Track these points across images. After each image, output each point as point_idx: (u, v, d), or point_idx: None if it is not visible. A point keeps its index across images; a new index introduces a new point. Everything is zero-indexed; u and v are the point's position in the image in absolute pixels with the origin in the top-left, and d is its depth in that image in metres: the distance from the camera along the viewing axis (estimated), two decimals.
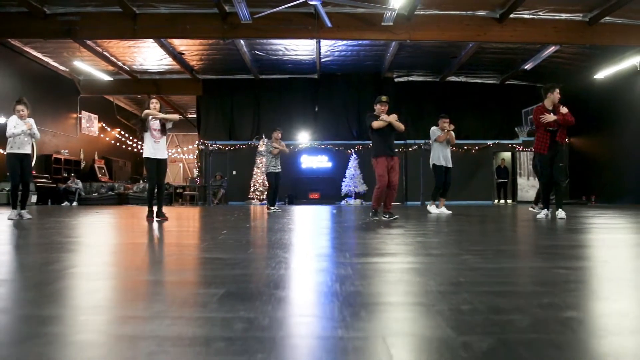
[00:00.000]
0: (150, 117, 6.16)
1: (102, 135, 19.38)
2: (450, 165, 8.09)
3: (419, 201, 16.14)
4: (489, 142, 17.17)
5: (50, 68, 15.89)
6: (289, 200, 16.49)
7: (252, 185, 16.36)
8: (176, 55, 14.89)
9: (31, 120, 6.49)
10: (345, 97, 17.59)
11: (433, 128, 8.19)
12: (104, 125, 19.40)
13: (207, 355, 1.03)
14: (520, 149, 17.05)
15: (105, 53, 14.70)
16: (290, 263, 2.37)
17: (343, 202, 16.23)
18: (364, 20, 11.88)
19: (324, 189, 16.90)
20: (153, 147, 6.18)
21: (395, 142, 6.50)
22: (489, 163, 17.24)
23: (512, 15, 11.63)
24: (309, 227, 5.09)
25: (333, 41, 13.94)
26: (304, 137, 17.66)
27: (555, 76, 15.26)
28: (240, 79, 17.58)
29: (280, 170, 9.45)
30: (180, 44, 14.22)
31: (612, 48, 13.09)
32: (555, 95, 6.11)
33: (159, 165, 6.23)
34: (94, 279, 2.03)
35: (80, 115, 17.87)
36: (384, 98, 6.12)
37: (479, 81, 17.85)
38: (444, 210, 7.91)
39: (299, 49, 14.73)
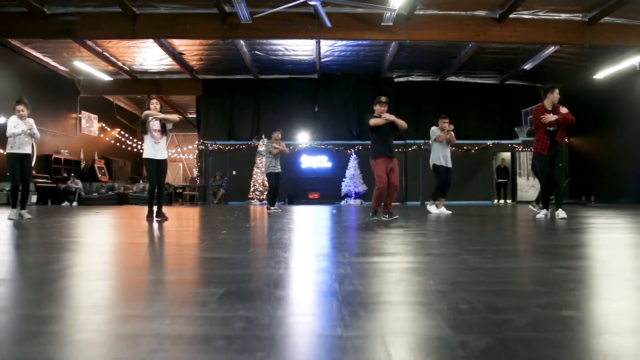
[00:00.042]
0: (150, 117, 6.16)
1: (102, 135, 19.39)
2: (450, 165, 8.09)
3: (418, 201, 16.15)
4: (489, 142, 17.18)
5: (50, 68, 15.89)
6: (288, 200, 16.50)
7: (251, 185, 16.36)
8: (176, 55, 14.89)
9: (31, 120, 6.49)
10: (345, 97, 17.60)
11: (433, 128, 8.19)
12: (103, 125, 19.41)
13: (206, 354, 1.03)
14: (520, 149, 17.06)
15: (105, 53, 14.70)
16: (289, 262, 2.37)
17: (343, 202, 16.23)
18: (364, 20, 11.89)
19: (324, 189, 16.91)
20: (153, 147, 6.18)
21: (395, 142, 6.50)
22: (489, 163, 17.25)
23: (511, 16, 11.63)
24: (309, 227, 5.10)
25: (333, 41, 13.95)
26: (303, 137, 17.67)
27: (555, 76, 15.27)
28: (240, 79, 17.59)
29: (280, 170, 9.46)
30: (180, 44, 14.23)
31: (611, 48, 13.10)
32: (555, 95, 6.12)
33: (159, 166, 6.23)
34: (94, 279, 2.04)
35: (80, 115, 17.88)
36: (383, 99, 6.12)
37: (479, 81, 17.86)
38: (443, 210, 7.91)
39: (298, 49, 14.73)
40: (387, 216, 6.02)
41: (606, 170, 15.21)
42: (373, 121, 6.03)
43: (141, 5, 11.48)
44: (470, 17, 11.98)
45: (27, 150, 6.53)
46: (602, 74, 14.59)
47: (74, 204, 15.07)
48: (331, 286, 1.75)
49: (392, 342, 1.10)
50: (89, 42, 13.50)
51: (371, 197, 6.43)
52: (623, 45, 12.77)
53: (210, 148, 17.08)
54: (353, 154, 16.72)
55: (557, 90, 6.14)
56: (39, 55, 14.96)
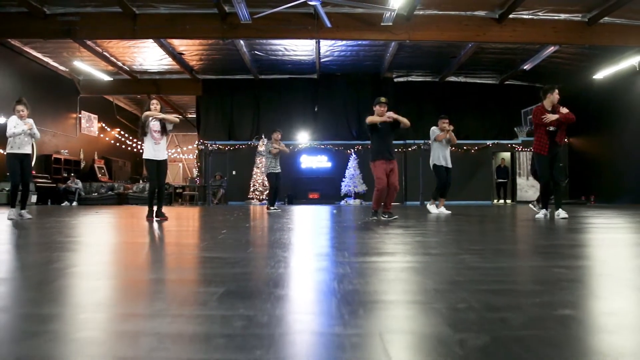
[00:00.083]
0: (151, 118, 6.16)
1: (101, 135, 19.39)
2: (450, 165, 8.10)
3: (418, 201, 16.16)
4: (489, 142, 17.19)
5: (50, 68, 15.90)
6: (288, 200, 16.51)
7: (251, 185, 16.37)
8: (176, 56, 14.90)
9: (30, 121, 6.49)
10: (345, 97, 17.60)
11: (433, 128, 8.20)
12: (103, 125, 19.41)
13: (206, 352, 1.04)
14: (520, 149, 17.06)
15: (105, 53, 14.71)
16: (289, 262, 2.38)
17: (342, 202, 16.24)
18: (364, 20, 11.90)
19: (324, 189, 16.92)
20: (153, 148, 6.19)
21: (395, 142, 6.49)
22: (489, 163, 17.26)
23: (511, 16, 11.64)
24: (309, 227, 5.10)
25: (332, 41, 13.96)
26: (303, 137, 17.68)
27: (555, 76, 15.28)
28: (240, 79, 17.60)
29: (280, 170, 9.47)
30: (180, 44, 14.24)
31: (611, 48, 13.11)
32: (555, 96, 6.14)
33: (160, 166, 6.24)
34: (94, 278, 2.05)
35: (80, 115, 17.88)
36: (383, 99, 6.13)
37: (479, 81, 17.87)
38: (443, 210, 7.92)
39: (298, 49, 14.74)
40: (386, 216, 6.03)
41: (606, 170, 15.22)
42: (369, 119, 6.05)
43: (141, 5, 11.49)
44: (470, 17, 11.98)
45: (27, 150, 6.53)
46: (602, 74, 14.60)
47: (74, 204, 15.08)
48: (330, 285, 1.76)
49: (390, 340, 1.11)
50: (88, 42, 13.51)
51: (371, 197, 6.43)
52: (622, 46, 12.78)
53: (210, 148, 17.08)
54: (353, 154, 16.73)
55: (556, 91, 6.16)
56: (39, 55, 14.96)
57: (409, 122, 6.12)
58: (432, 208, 8.13)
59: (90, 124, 18.68)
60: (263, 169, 13.20)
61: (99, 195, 16.14)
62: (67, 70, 16.50)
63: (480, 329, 1.19)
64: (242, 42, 13.58)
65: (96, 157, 18.65)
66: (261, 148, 15.79)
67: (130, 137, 20.90)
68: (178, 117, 6.76)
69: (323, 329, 1.22)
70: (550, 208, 6.51)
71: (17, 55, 14.31)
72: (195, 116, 19.43)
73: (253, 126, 17.74)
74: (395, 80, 17.65)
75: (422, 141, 15.74)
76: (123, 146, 20.83)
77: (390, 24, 11.78)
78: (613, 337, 1.15)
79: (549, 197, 6.43)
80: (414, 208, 11.82)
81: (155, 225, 5.28)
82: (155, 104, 6.27)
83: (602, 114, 15.13)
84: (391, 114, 5.99)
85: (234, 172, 17.13)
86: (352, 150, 16.86)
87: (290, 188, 16.30)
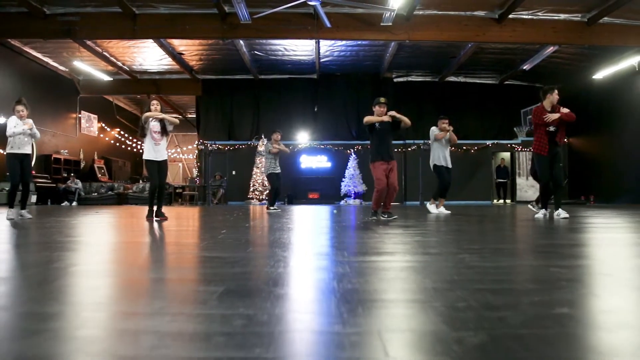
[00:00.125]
0: (150, 118, 6.17)
1: (101, 135, 19.39)
2: (450, 165, 8.10)
3: (417, 201, 16.16)
4: (488, 142, 17.20)
5: (49, 68, 15.90)
6: (288, 200, 16.51)
7: (251, 185, 16.38)
8: (176, 56, 14.90)
9: (30, 121, 6.49)
10: (345, 97, 17.61)
11: (432, 128, 8.19)
12: (103, 125, 19.41)
13: (206, 350, 1.05)
14: (519, 149, 17.07)
15: (104, 53, 14.71)
16: (289, 261, 2.38)
17: (342, 202, 16.25)
18: (363, 20, 11.91)
19: (324, 189, 16.93)
20: (153, 149, 6.19)
21: (394, 142, 6.49)
22: (488, 163, 17.27)
23: (510, 16, 11.65)
24: (308, 227, 5.11)
25: (332, 41, 13.96)
26: (303, 137, 17.69)
27: (554, 76, 15.29)
28: (239, 79, 17.60)
29: (280, 171, 9.48)
30: (179, 44, 14.24)
31: (610, 48, 13.12)
32: (554, 96, 6.15)
33: (160, 167, 6.24)
34: (94, 277, 2.05)
35: (79, 115, 17.88)
36: (382, 99, 6.13)
37: (478, 81, 17.88)
38: (442, 210, 7.93)
39: (298, 49, 14.75)
40: (386, 216, 6.03)
41: (605, 170, 15.23)
42: (367, 118, 6.05)
43: (141, 5, 11.49)
44: (470, 17, 11.99)
45: (27, 150, 6.54)
46: (602, 74, 14.60)
47: (74, 203, 15.08)
48: (330, 284, 1.76)
49: (388, 338, 1.12)
50: (88, 42, 13.51)
51: (371, 197, 6.44)
52: (622, 46, 12.79)
53: (210, 148, 17.08)
54: (352, 154, 16.73)
55: (556, 91, 6.17)
56: (39, 55, 14.96)
57: (409, 121, 6.12)
58: (431, 208, 8.13)
59: (90, 124, 18.68)
60: (263, 169, 13.20)
61: (99, 195, 16.14)
62: (67, 70, 16.50)
63: (478, 327, 1.20)
64: (242, 42, 13.59)
65: (96, 157, 18.65)
66: (261, 148, 15.80)
67: (130, 137, 20.90)
68: (178, 118, 6.77)
69: (322, 327, 1.23)
70: (549, 208, 6.52)
71: (17, 55, 14.31)
72: (195, 116, 19.42)
73: (253, 126, 17.75)
74: (395, 80, 17.66)
75: (422, 141, 15.75)
76: (123, 146, 20.83)
77: (390, 24, 11.79)
78: (611, 336, 1.16)
79: (548, 197, 6.45)
80: (414, 208, 11.82)
81: (155, 225, 5.29)
82: (155, 105, 6.26)
83: (602, 114, 15.14)
84: (393, 113, 5.99)
85: (233, 172, 17.14)
86: (352, 150, 16.86)
87: (290, 188, 16.30)
